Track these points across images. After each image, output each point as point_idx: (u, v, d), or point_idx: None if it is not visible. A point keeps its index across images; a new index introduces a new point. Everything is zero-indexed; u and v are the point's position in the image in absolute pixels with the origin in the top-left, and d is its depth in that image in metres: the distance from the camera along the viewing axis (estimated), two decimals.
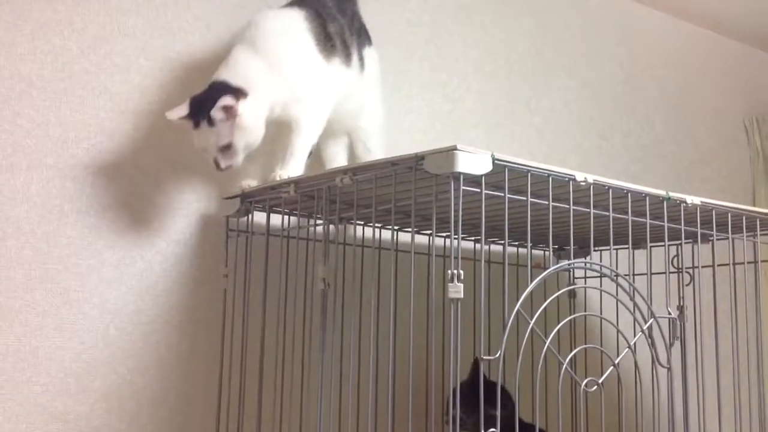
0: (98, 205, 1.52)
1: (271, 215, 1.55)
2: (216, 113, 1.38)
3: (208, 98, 1.40)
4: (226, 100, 1.39)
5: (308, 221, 1.53)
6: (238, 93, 1.41)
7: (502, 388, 1.23)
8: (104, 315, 1.50)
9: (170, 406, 1.55)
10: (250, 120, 1.41)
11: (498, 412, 1.18)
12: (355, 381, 1.40)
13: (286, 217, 1.55)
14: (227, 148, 1.42)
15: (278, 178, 1.45)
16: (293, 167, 1.47)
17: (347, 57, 1.56)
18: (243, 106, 1.40)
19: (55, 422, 1.44)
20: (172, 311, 1.57)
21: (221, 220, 1.59)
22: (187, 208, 1.61)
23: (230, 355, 1.56)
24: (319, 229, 1.45)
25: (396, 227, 1.67)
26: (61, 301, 1.46)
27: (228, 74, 1.43)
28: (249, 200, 1.55)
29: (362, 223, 1.59)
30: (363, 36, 1.65)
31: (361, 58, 1.61)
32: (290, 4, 1.56)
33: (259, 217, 1.57)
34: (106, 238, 1.52)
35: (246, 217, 1.58)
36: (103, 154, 1.53)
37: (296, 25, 1.51)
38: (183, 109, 1.41)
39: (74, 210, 1.50)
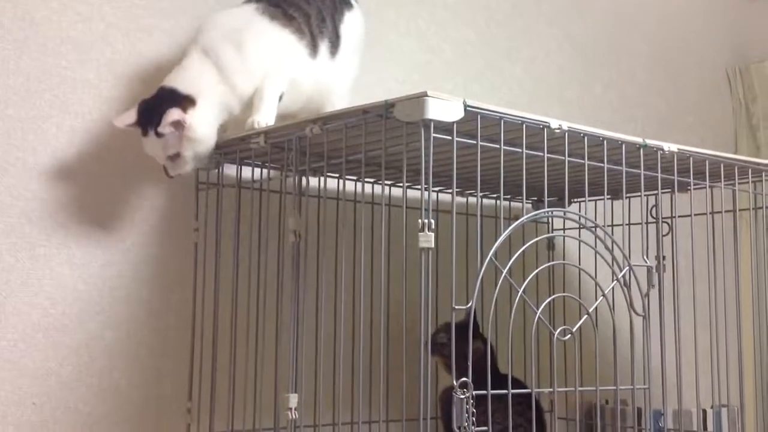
0: (63, 157, 1.48)
1: (243, 168, 1.52)
2: (164, 129, 1.37)
3: (156, 107, 1.38)
4: (174, 114, 1.36)
5: (280, 173, 1.50)
6: (186, 103, 1.38)
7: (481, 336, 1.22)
8: (72, 270, 1.48)
9: (143, 362, 1.53)
10: (199, 130, 1.40)
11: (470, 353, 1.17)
12: (331, 333, 1.38)
13: (257, 169, 1.52)
14: (176, 157, 1.41)
15: (256, 125, 1.41)
16: (265, 111, 1.44)
17: (314, 48, 1.51)
18: (191, 117, 1.38)
19: (24, 378, 1.42)
20: (142, 266, 1.54)
21: (191, 172, 1.56)
22: (155, 160, 1.57)
23: (202, 309, 1.54)
24: (290, 181, 1.42)
25: (371, 179, 1.64)
26: (27, 256, 1.43)
27: (177, 81, 1.41)
28: (219, 152, 1.52)
29: (337, 176, 1.56)
30: (340, 7, 1.59)
31: (335, 38, 1.56)
32: (246, 1, 1.52)
33: (230, 169, 1.54)
34: (71, 192, 1.48)
35: (216, 170, 1.55)
36: (66, 105, 1.49)
37: (248, 17, 1.47)
38: (131, 116, 1.40)
39: (38, 162, 1.46)
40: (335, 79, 1.58)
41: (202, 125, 1.40)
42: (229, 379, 1.48)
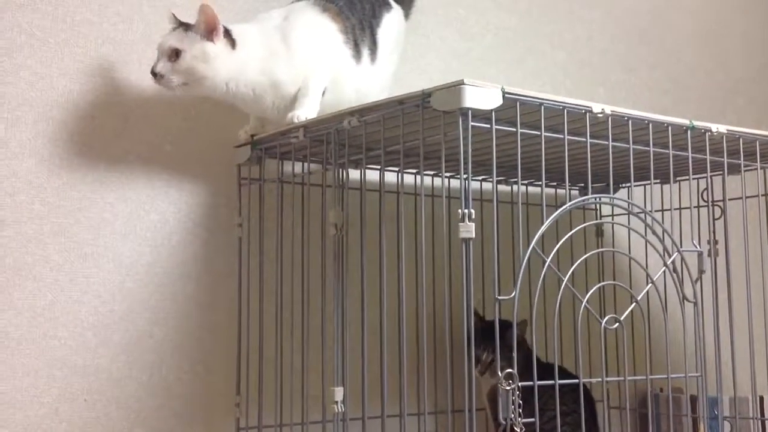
0: (108, 157, 1.50)
1: (284, 162, 1.52)
2: (200, 23, 1.36)
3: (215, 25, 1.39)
4: (218, 28, 1.37)
5: (322, 166, 1.50)
6: (230, 39, 1.39)
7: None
8: (119, 268, 1.50)
9: (191, 357, 1.55)
10: (210, 64, 1.37)
11: (515, 353, 1.16)
12: (376, 325, 1.38)
13: (297, 163, 1.52)
14: (175, 56, 1.36)
15: (296, 120, 1.41)
16: (308, 107, 1.43)
17: (357, 54, 1.51)
18: (221, 49, 1.38)
19: (74, 376, 1.44)
20: (189, 262, 1.56)
21: (233, 168, 1.57)
22: (198, 157, 1.59)
23: (248, 304, 1.54)
24: (330, 173, 1.42)
25: (413, 171, 1.63)
26: (75, 256, 1.46)
27: (233, 26, 1.43)
28: (260, 147, 1.53)
29: (378, 167, 1.56)
30: (378, 11, 1.58)
31: (373, 45, 1.55)
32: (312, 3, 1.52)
33: (272, 164, 1.54)
34: (117, 191, 1.50)
35: (258, 165, 1.55)
36: (109, 106, 1.51)
37: (300, 7, 1.49)
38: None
39: (84, 163, 1.48)
40: (375, 85, 1.58)
41: (214, 67, 1.37)
42: (276, 374, 1.48)
